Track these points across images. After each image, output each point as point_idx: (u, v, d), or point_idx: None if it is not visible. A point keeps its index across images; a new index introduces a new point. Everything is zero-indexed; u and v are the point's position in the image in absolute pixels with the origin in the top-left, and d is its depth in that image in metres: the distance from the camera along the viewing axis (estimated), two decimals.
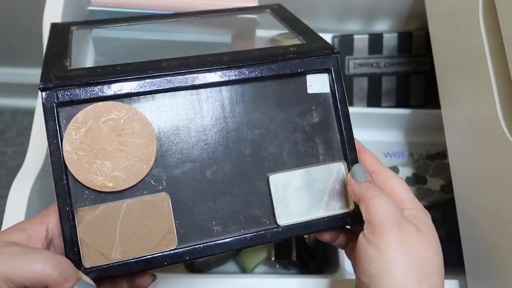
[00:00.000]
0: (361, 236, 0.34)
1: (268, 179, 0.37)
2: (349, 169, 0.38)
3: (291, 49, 0.39)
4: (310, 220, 0.37)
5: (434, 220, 0.58)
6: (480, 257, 0.45)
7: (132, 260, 0.34)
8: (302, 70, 0.38)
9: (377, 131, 0.65)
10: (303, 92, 0.38)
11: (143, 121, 0.35)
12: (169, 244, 0.35)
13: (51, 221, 0.34)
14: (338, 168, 0.38)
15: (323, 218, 0.37)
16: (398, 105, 0.67)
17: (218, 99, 0.37)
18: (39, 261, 0.30)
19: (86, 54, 0.62)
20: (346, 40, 0.65)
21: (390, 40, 0.66)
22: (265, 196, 0.37)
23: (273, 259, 0.58)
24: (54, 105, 0.34)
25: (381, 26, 0.67)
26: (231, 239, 0.36)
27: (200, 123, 0.36)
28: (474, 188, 0.44)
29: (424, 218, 0.36)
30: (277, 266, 0.60)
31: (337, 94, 0.38)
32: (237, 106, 0.37)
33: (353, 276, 0.45)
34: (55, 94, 0.34)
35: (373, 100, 0.67)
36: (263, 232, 0.36)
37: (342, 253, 0.54)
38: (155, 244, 0.35)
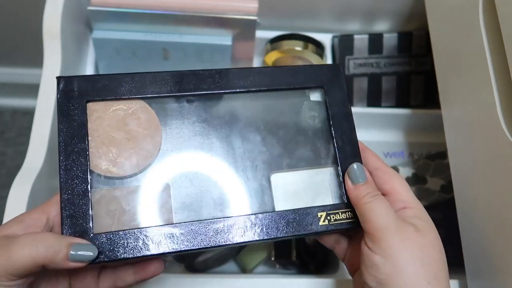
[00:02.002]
0: (363, 244, 0.35)
1: (269, 177, 0.39)
2: (341, 173, 0.39)
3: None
4: (307, 207, 0.38)
5: (434, 220, 0.58)
6: (480, 257, 0.45)
7: (134, 229, 0.35)
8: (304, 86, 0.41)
9: (377, 131, 0.65)
10: (306, 99, 0.41)
11: (150, 113, 0.37)
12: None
13: (52, 210, 0.35)
14: (336, 171, 0.40)
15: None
16: (398, 105, 0.67)
17: (229, 104, 0.39)
18: (22, 246, 0.30)
19: (86, 57, 0.62)
20: (346, 40, 0.65)
21: (390, 40, 0.66)
22: (265, 191, 0.38)
23: (273, 259, 0.58)
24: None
25: (381, 26, 0.67)
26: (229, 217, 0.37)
27: (205, 121, 0.38)
28: (474, 188, 0.44)
29: (425, 217, 0.36)
30: (277, 266, 0.60)
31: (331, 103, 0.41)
32: (246, 110, 0.39)
33: None
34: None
35: (373, 100, 0.67)
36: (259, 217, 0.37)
37: None
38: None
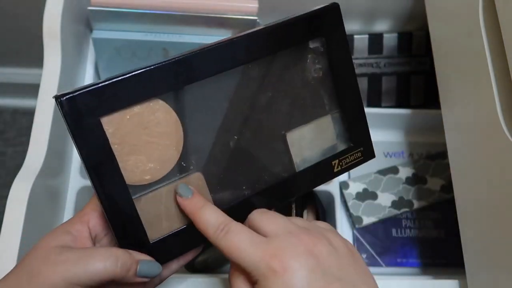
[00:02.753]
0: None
1: (285, 137, 0.40)
2: (345, 115, 0.41)
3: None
4: (321, 160, 0.41)
5: (434, 220, 0.58)
6: (480, 257, 0.45)
7: (184, 226, 0.37)
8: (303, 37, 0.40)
9: (377, 131, 0.65)
10: (310, 52, 0.40)
11: (166, 109, 0.35)
12: None
13: (91, 219, 0.35)
14: (338, 115, 0.42)
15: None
16: (398, 105, 0.67)
17: (233, 77, 0.38)
18: (99, 260, 0.31)
19: (86, 57, 0.62)
20: None
21: (390, 40, 0.66)
22: (284, 154, 0.40)
23: None
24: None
25: (381, 26, 0.67)
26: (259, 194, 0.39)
27: (218, 100, 0.37)
28: (474, 188, 0.44)
29: None
30: None
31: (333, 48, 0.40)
32: (250, 79, 0.38)
33: None
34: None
35: (373, 100, 0.67)
36: (284, 182, 0.40)
37: None
38: None
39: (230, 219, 0.34)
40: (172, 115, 0.36)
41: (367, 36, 0.66)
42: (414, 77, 0.67)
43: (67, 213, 0.56)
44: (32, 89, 0.60)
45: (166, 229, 0.36)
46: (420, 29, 0.66)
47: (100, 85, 0.32)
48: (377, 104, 0.67)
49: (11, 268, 0.41)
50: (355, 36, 0.65)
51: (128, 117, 0.34)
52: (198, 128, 0.37)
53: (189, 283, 0.48)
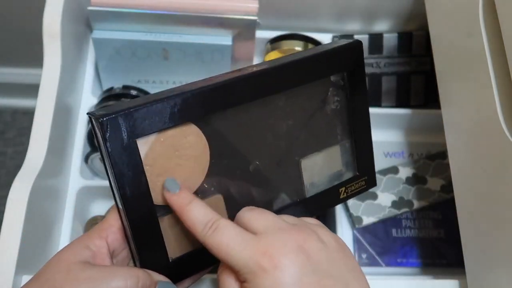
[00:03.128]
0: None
1: (300, 163, 0.41)
2: (355, 146, 0.43)
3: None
4: (330, 187, 0.42)
5: (434, 220, 0.58)
6: (480, 257, 0.45)
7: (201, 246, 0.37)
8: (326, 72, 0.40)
9: (377, 131, 0.65)
10: (331, 86, 0.41)
11: (197, 133, 0.36)
12: None
13: (109, 234, 0.35)
14: (348, 145, 0.43)
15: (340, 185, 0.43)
16: (398, 105, 0.67)
17: (260, 106, 0.38)
18: (121, 280, 0.31)
19: (86, 57, 0.62)
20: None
21: (390, 40, 0.66)
22: (297, 179, 0.41)
23: None
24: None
25: (381, 26, 0.67)
26: None
27: (244, 126, 0.38)
28: (474, 188, 0.45)
29: None
30: None
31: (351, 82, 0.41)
32: (275, 108, 0.39)
33: None
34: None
35: (373, 100, 0.67)
36: (295, 205, 0.41)
37: None
38: None
39: (218, 215, 0.33)
40: (202, 139, 0.36)
41: (367, 36, 0.66)
42: (414, 77, 0.67)
43: (67, 213, 0.56)
44: (32, 89, 0.60)
45: (185, 248, 0.37)
46: (420, 29, 0.66)
47: (140, 108, 0.32)
48: (377, 104, 0.67)
49: (11, 268, 0.41)
50: (355, 36, 0.65)
51: (162, 139, 0.34)
52: (223, 152, 0.37)
53: None
